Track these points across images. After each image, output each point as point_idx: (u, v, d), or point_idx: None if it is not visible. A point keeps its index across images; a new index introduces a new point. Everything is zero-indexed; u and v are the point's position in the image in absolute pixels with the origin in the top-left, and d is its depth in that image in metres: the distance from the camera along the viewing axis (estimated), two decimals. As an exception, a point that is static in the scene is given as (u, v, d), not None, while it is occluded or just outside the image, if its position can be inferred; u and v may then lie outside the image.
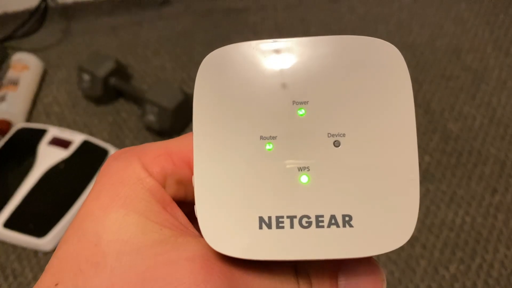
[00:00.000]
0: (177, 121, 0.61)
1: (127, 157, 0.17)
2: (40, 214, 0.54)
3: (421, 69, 0.69)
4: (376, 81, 0.15)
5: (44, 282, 0.14)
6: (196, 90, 0.15)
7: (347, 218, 0.14)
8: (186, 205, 0.17)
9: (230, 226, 0.14)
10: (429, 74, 0.68)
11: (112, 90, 0.67)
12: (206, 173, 0.15)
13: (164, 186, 0.17)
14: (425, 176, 0.56)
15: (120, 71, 0.68)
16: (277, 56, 0.15)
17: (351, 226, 0.14)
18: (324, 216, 0.14)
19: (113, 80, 0.66)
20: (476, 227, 0.52)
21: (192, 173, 0.17)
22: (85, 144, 0.59)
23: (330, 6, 0.82)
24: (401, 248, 0.51)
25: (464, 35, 0.74)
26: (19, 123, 0.64)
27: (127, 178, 0.16)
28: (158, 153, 0.17)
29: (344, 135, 0.15)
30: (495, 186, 0.55)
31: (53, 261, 0.15)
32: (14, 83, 0.67)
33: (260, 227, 0.14)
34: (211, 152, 0.15)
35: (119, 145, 0.63)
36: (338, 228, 0.14)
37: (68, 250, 0.15)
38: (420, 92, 0.66)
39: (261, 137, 0.15)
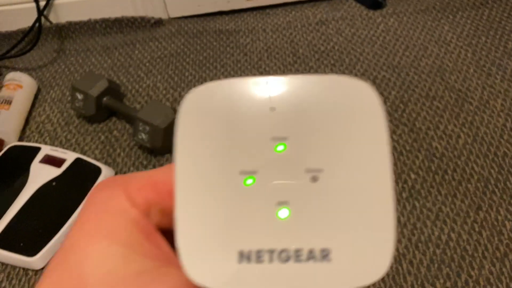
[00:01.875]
0: (168, 139, 0.62)
1: (112, 188, 0.17)
2: (31, 232, 0.54)
3: (406, 89, 0.71)
4: (351, 118, 0.16)
5: None
6: (179, 125, 0.16)
7: (325, 252, 0.14)
8: (171, 234, 0.17)
9: (210, 259, 0.14)
10: (414, 94, 0.70)
11: (105, 109, 0.67)
12: (187, 207, 0.15)
13: (148, 216, 0.17)
14: (411, 193, 0.57)
15: (113, 90, 0.69)
16: (257, 94, 0.16)
17: (329, 260, 0.14)
18: (303, 250, 0.14)
19: (106, 99, 0.67)
20: (462, 244, 0.53)
21: None
22: (77, 163, 0.60)
23: (318, 28, 0.84)
24: (389, 265, 0.52)
25: (448, 56, 0.76)
26: (11, 141, 0.64)
27: (111, 209, 0.16)
28: (143, 183, 0.17)
29: (322, 170, 0.15)
30: (480, 203, 0.57)
31: None
32: (7, 102, 0.67)
33: (240, 261, 0.14)
34: (192, 187, 0.15)
35: (111, 163, 0.63)
36: (316, 262, 0.14)
37: (52, 282, 0.15)
38: (405, 111, 0.68)
39: (241, 172, 0.15)
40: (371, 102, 0.16)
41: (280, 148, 0.15)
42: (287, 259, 0.14)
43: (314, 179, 0.15)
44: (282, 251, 0.14)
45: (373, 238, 0.15)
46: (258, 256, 0.14)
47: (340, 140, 0.15)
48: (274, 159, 0.15)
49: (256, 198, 0.15)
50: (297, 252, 0.14)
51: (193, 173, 0.15)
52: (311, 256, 0.14)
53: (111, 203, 0.16)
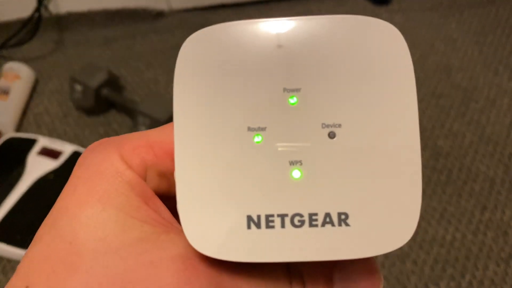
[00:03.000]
0: (169, 133, 0.61)
1: (105, 148, 0.15)
2: (27, 225, 0.53)
3: (412, 86, 0.70)
4: (374, 65, 0.14)
5: (14, 284, 0.13)
6: (177, 76, 0.14)
7: (343, 217, 0.13)
8: (170, 200, 0.16)
9: (216, 226, 0.13)
10: (419, 91, 0.69)
11: (104, 101, 0.66)
12: (189, 168, 0.13)
13: (145, 179, 0.16)
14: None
15: (113, 82, 0.68)
16: (266, 38, 0.14)
17: (347, 225, 0.13)
18: (318, 215, 0.13)
19: (105, 91, 0.65)
20: (466, 244, 0.52)
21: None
22: (75, 155, 0.59)
23: (323, 23, 0.83)
24: (392, 264, 0.51)
25: (454, 54, 0.75)
26: (8, 133, 0.63)
27: (105, 170, 0.15)
28: (138, 144, 0.16)
29: (340, 125, 0.13)
30: (485, 203, 0.56)
31: (25, 261, 0.14)
32: (5, 92, 0.66)
33: (249, 227, 0.13)
34: (194, 144, 0.13)
35: (110, 156, 0.62)
36: (334, 227, 0.13)
37: (41, 249, 0.14)
38: (411, 109, 0.67)
39: (249, 128, 0.13)
40: (396, 46, 0.14)
41: (293, 100, 0.14)
42: (300, 224, 0.13)
43: (331, 135, 0.13)
44: (295, 215, 0.13)
45: (397, 201, 0.13)
46: (269, 221, 0.13)
47: (360, 91, 0.14)
48: (286, 113, 0.14)
49: (266, 158, 0.13)
50: (312, 217, 0.13)
51: (194, 130, 0.14)
52: (327, 220, 0.13)
53: (104, 164, 0.15)
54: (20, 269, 0.14)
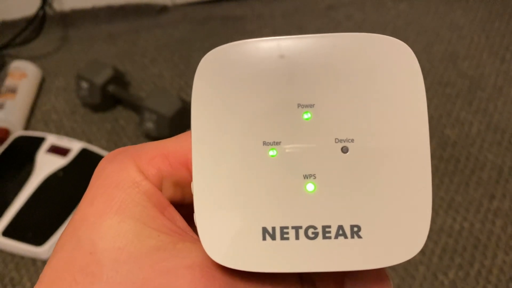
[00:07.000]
0: (175, 128, 0.61)
1: (122, 159, 0.16)
2: (38, 222, 0.54)
3: (418, 75, 0.70)
4: (387, 82, 0.14)
5: None
6: (195, 92, 0.14)
7: (355, 229, 0.14)
8: (185, 208, 0.17)
9: (232, 237, 0.14)
10: (426, 80, 0.69)
11: (110, 98, 0.67)
12: (206, 181, 0.14)
13: (160, 189, 0.16)
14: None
15: (118, 78, 0.68)
16: (281, 56, 0.14)
17: (359, 237, 0.14)
18: (331, 227, 0.14)
19: (111, 88, 0.66)
20: (474, 233, 0.52)
21: (190, 174, 0.16)
22: (84, 152, 0.59)
23: (327, 13, 0.82)
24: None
25: (460, 42, 0.74)
26: (17, 131, 0.64)
27: (122, 181, 0.15)
28: (154, 154, 0.16)
29: (352, 140, 0.14)
30: (493, 192, 0.56)
31: (47, 270, 0.14)
32: (12, 91, 0.67)
33: (264, 239, 0.14)
34: (211, 158, 0.14)
35: (118, 152, 0.63)
36: (346, 239, 0.14)
37: (63, 259, 0.14)
38: (417, 98, 0.66)
39: (264, 143, 0.14)
40: (407, 63, 0.14)
41: (307, 116, 0.14)
42: (314, 236, 0.14)
43: (344, 150, 0.14)
44: (309, 227, 0.14)
45: (408, 214, 0.14)
46: (283, 233, 0.14)
47: (372, 107, 0.14)
48: (300, 128, 0.14)
49: (281, 171, 0.14)
50: (325, 229, 0.14)
51: (211, 143, 0.14)
52: (340, 233, 0.14)
53: (122, 175, 0.15)
54: (43, 278, 0.14)
